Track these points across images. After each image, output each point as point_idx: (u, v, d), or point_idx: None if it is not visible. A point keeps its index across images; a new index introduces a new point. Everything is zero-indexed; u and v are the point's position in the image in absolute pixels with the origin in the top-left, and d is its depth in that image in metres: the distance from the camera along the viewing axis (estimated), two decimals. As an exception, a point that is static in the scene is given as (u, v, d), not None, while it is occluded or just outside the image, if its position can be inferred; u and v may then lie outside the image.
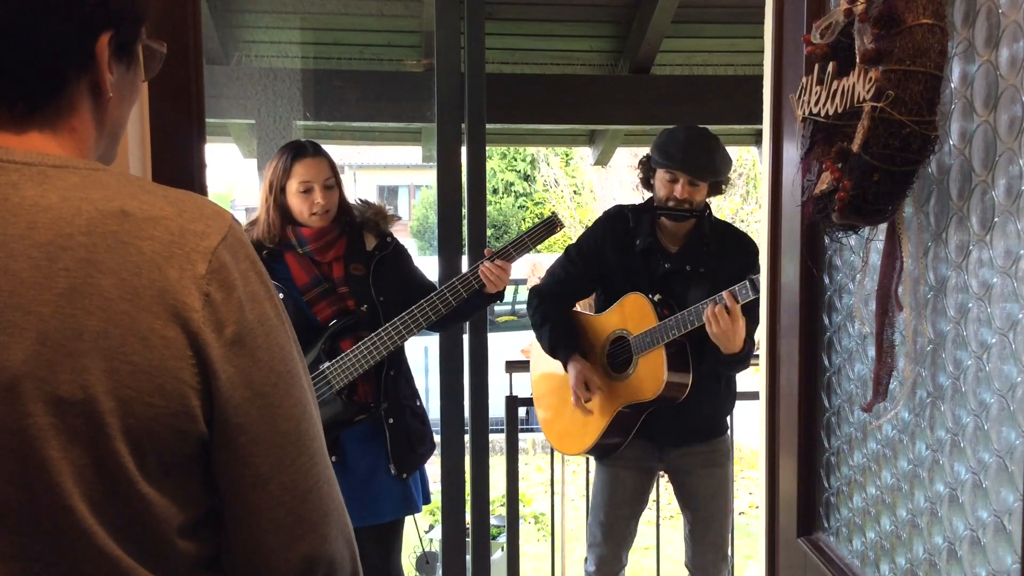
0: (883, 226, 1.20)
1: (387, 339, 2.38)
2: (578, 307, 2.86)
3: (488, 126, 3.25)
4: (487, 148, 3.29)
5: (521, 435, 3.85)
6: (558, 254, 2.90)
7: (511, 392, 3.39)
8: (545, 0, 4.41)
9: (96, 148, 0.85)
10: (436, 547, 3.91)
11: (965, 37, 1.07)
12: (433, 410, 3.15)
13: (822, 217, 1.19)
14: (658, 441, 2.72)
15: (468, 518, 3.32)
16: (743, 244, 2.69)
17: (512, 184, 15.91)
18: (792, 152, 1.53)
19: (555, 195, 14.71)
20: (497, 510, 4.52)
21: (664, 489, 3.37)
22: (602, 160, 6.06)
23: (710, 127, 2.67)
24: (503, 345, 5.79)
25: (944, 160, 1.12)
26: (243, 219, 2.92)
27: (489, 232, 4.37)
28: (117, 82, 0.83)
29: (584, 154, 12.37)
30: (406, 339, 2.41)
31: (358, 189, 16.69)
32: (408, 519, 2.61)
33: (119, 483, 0.76)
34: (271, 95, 4.01)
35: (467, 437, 3.29)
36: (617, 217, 2.71)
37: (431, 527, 4.37)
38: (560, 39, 4.60)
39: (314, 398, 0.88)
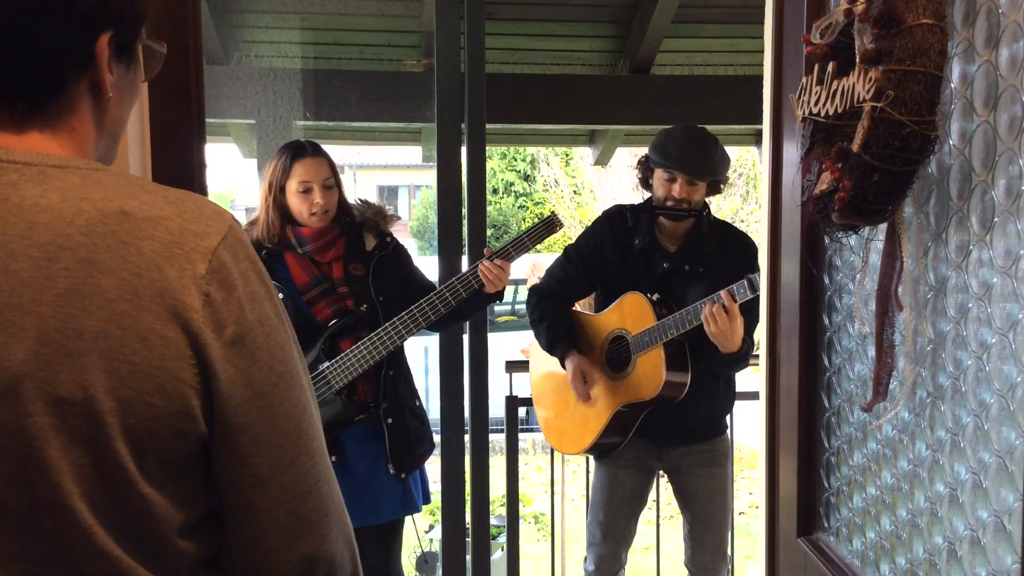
0: (883, 226, 1.20)
1: (386, 339, 2.38)
2: (578, 307, 2.86)
3: (488, 126, 3.25)
4: (487, 148, 3.29)
5: (521, 435, 3.85)
6: (558, 254, 2.90)
7: (511, 392, 3.39)
8: (545, 0, 4.41)
9: (96, 148, 0.85)
10: (436, 547, 3.91)
11: (965, 37, 1.07)
12: (433, 410, 3.15)
13: (822, 217, 1.19)
14: (657, 440, 2.72)
15: (468, 518, 3.32)
16: (742, 243, 2.69)
17: (512, 184, 15.91)
18: (792, 152, 1.53)
19: (555, 195, 14.71)
20: (497, 510, 4.52)
21: (664, 489, 3.37)
22: (602, 160, 6.07)
23: (710, 127, 2.67)
24: (503, 345, 5.79)
25: (944, 160, 1.12)
26: (243, 219, 2.92)
27: (489, 232, 4.37)
28: (117, 82, 0.83)
29: (584, 154, 12.36)
30: (405, 339, 2.41)
31: (358, 189, 16.69)
32: (408, 519, 2.61)
33: (119, 483, 0.76)
34: (271, 95, 4.01)
35: (467, 437, 3.29)
36: (616, 217, 2.71)
37: (431, 527, 4.37)
38: (560, 39, 4.60)
39: (314, 398, 0.88)
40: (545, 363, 2.85)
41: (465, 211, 3.20)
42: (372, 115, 4.50)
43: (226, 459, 0.81)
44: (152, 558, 0.80)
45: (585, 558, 2.87)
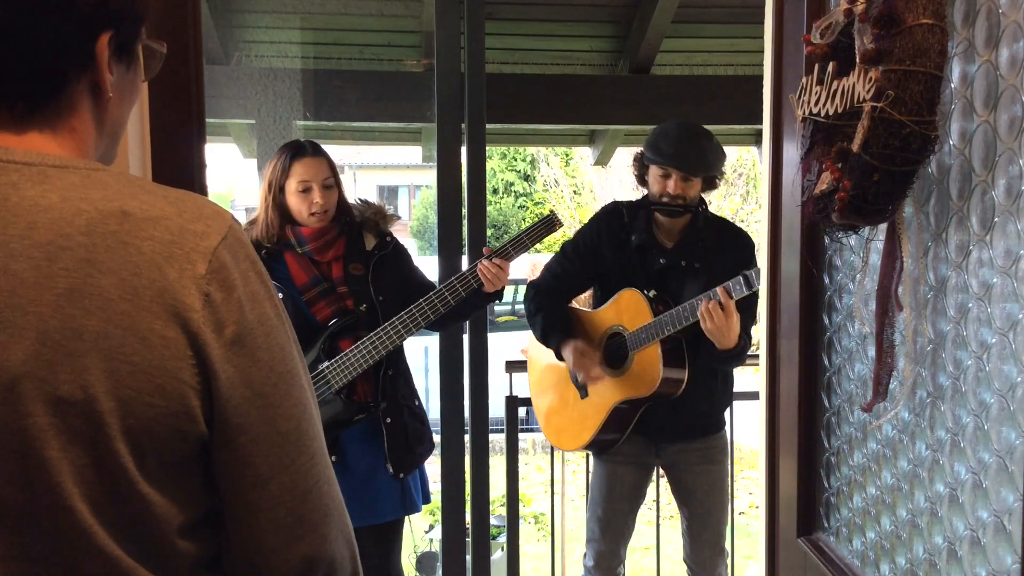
0: (883, 226, 1.20)
1: (386, 339, 2.38)
2: (576, 304, 2.87)
3: (488, 126, 3.25)
4: (487, 148, 3.29)
5: (521, 435, 3.85)
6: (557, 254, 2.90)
7: (511, 392, 3.39)
8: (545, 0, 4.41)
9: (96, 148, 0.85)
10: (436, 547, 3.91)
11: (965, 37, 1.07)
12: (433, 410, 3.15)
13: (822, 217, 1.19)
14: (655, 437, 2.72)
15: (468, 518, 3.32)
16: (738, 239, 2.69)
17: (512, 184, 15.91)
18: (792, 152, 1.53)
19: (555, 195, 14.71)
20: (497, 510, 4.52)
21: (664, 489, 3.37)
22: (602, 160, 6.07)
23: (710, 127, 2.67)
24: (503, 345, 5.79)
25: (944, 160, 1.12)
26: (243, 219, 2.92)
27: (489, 232, 4.37)
28: (117, 82, 0.83)
29: (584, 154, 12.36)
30: (405, 339, 2.41)
31: (358, 189, 16.69)
32: (408, 519, 2.61)
33: (119, 483, 0.76)
34: (271, 95, 4.01)
35: (467, 437, 3.29)
36: (613, 213, 2.72)
37: (431, 527, 4.37)
38: (560, 39, 4.60)
39: (314, 398, 0.88)
40: (543, 360, 2.85)
41: (465, 211, 3.20)
42: (372, 115, 4.50)
43: (226, 459, 0.81)
44: (152, 558, 0.79)
45: (584, 554, 2.88)
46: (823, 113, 1.19)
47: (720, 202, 11.36)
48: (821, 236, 1.46)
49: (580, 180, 15.18)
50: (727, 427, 2.85)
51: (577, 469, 5.44)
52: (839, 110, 1.15)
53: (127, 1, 0.82)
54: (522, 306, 2.91)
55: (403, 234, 13.63)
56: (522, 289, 7.82)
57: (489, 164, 10.66)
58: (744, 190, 12.27)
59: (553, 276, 2.76)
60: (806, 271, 1.52)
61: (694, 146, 2.56)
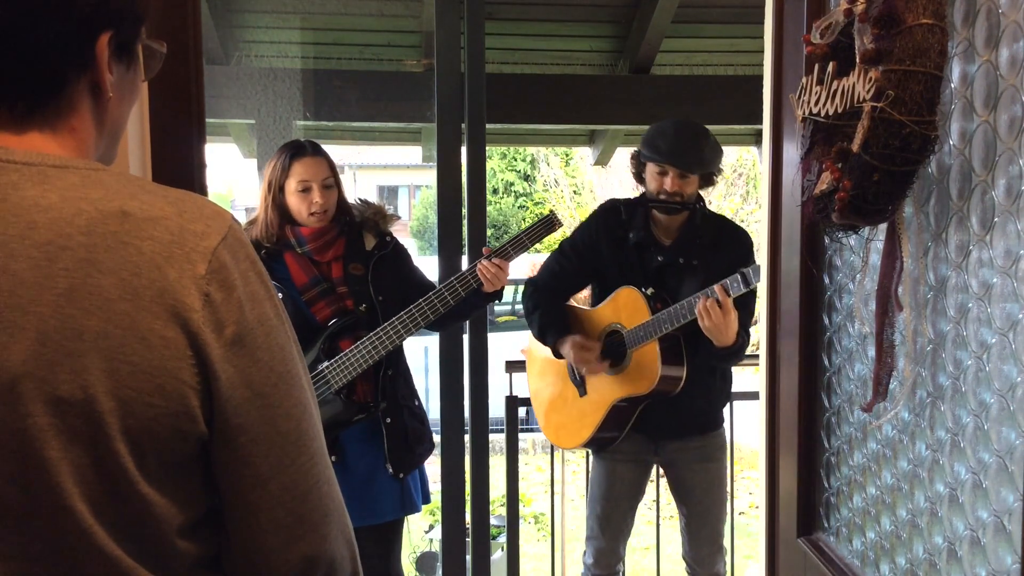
0: (883, 226, 1.20)
1: (386, 339, 2.38)
2: (574, 302, 2.87)
3: (488, 126, 3.24)
4: (487, 148, 3.29)
5: (521, 435, 3.85)
6: (558, 254, 2.90)
7: (511, 392, 3.39)
8: (545, 0, 4.41)
9: (96, 148, 0.85)
10: (436, 547, 3.91)
11: (965, 37, 1.07)
12: (433, 410, 3.15)
13: (822, 217, 1.19)
14: (653, 434, 2.72)
15: (468, 518, 3.32)
16: (736, 237, 2.69)
17: (512, 184, 15.91)
18: (792, 152, 1.53)
19: (555, 195, 14.70)
20: (497, 510, 4.52)
21: (664, 489, 3.38)
22: (602, 160, 6.07)
23: (710, 127, 2.67)
24: (503, 345, 5.79)
25: (944, 160, 1.12)
26: (243, 219, 2.92)
27: (489, 232, 4.37)
28: (117, 82, 0.83)
29: (584, 154, 12.36)
30: (404, 339, 2.41)
31: (358, 189, 16.69)
32: (408, 519, 2.60)
33: (119, 483, 0.76)
34: (271, 95, 4.01)
35: (467, 437, 3.29)
36: (611, 211, 2.72)
37: (431, 527, 4.37)
38: (560, 39, 4.60)
39: (314, 398, 0.88)
40: (542, 359, 2.85)
41: (465, 211, 3.20)
42: (372, 115, 4.50)
43: (226, 459, 0.81)
44: (152, 558, 0.80)
45: (584, 552, 2.88)
46: (823, 113, 1.19)
47: (720, 202, 11.36)
48: (821, 236, 1.46)
49: (580, 180, 15.18)
50: (726, 425, 2.85)
51: (577, 469, 5.44)
52: (839, 110, 1.15)
53: (127, 1, 0.82)
54: (522, 306, 2.90)
55: (403, 234, 13.62)
56: (522, 289, 7.80)
57: (489, 164, 10.66)
58: (744, 190, 12.26)
59: (551, 274, 2.76)
60: (806, 271, 1.52)
61: (691, 143, 2.56)
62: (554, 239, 9.07)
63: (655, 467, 2.96)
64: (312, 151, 2.43)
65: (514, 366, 3.48)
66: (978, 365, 1.06)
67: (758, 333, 1.87)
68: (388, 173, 18.31)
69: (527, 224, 3.81)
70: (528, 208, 15.58)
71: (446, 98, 3.17)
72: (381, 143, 9.37)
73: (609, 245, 2.67)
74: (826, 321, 1.50)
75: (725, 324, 2.41)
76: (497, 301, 2.59)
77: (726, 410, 2.87)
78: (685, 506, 2.81)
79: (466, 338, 3.22)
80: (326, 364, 2.39)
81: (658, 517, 3.59)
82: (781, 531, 1.66)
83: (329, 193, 2.42)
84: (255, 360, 0.80)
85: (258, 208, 2.48)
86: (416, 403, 2.57)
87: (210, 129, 1.61)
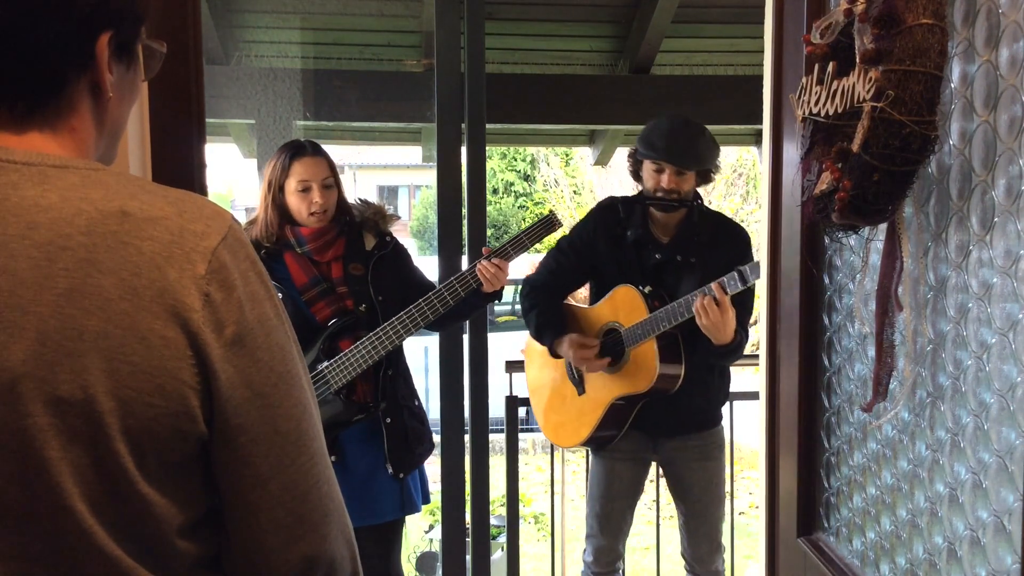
0: (883, 226, 1.20)
1: (385, 339, 2.38)
2: (572, 301, 2.87)
3: (488, 126, 3.25)
4: (487, 148, 3.29)
5: (521, 435, 3.85)
6: (558, 254, 2.89)
7: (511, 392, 3.39)
8: (545, 0, 4.41)
9: (96, 148, 0.85)
10: (436, 547, 3.91)
11: (965, 37, 1.07)
12: (433, 410, 3.15)
13: (822, 217, 1.19)
14: (652, 432, 2.73)
15: (468, 518, 3.33)
16: (734, 234, 2.69)
17: (512, 184, 15.90)
18: (792, 152, 1.53)
19: (555, 195, 14.70)
20: (497, 510, 4.52)
21: (664, 489, 3.38)
22: (602, 160, 6.07)
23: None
24: (503, 345, 5.79)
25: (944, 160, 1.12)
26: (243, 219, 2.92)
27: (489, 232, 4.37)
28: (117, 82, 0.83)
29: (584, 154, 12.36)
30: (404, 339, 2.41)
31: (358, 189, 16.68)
32: (408, 519, 2.60)
33: (119, 483, 0.76)
34: (271, 95, 4.01)
35: (467, 437, 3.29)
36: (608, 209, 2.72)
37: (431, 527, 4.37)
38: (560, 39, 4.60)
39: (314, 398, 0.88)
40: (540, 357, 2.85)
41: (465, 211, 3.20)
42: (372, 115, 4.50)
43: (226, 459, 0.81)
44: (152, 558, 0.79)
45: (584, 550, 2.89)
46: (823, 113, 1.19)
47: (720, 202, 11.35)
48: (821, 236, 1.46)
49: (580, 180, 15.17)
50: (724, 423, 2.86)
51: (577, 469, 5.44)
52: (839, 110, 1.15)
53: (127, 1, 0.82)
54: (520, 305, 2.90)
55: (403, 234, 13.62)
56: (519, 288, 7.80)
57: (489, 164, 10.65)
58: (744, 190, 12.26)
59: (548, 272, 2.76)
60: (806, 271, 1.52)
61: (687, 140, 2.56)
62: (554, 239, 9.05)
63: (655, 466, 2.96)
64: (312, 151, 2.43)
65: (514, 366, 3.48)
66: (978, 365, 1.06)
67: (758, 333, 1.87)
68: (388, 173, 18.31)
69: (527, 224, 3.81)
70: (528, 208, 15.58)
71: (446, 98, 3.17)
72: (381, 143, 9.37)
73: (607, 243, 2.67)
74: (826, 321, 1.50)
75: (723, 322, 2.41)
76: (497, 301, 2.59)
77: (725, 409, 2.87)
78: (683, 504, 2.82)
79: (466, 338, 3.22)
80: (326, 364, 2.39)
81: (658, 517, 3.59)
82: (781, 531, 1.66)
83: (329, 193, 2.42)
84: (255, 360, 0.80)
85: (258, 208, 2.48)
86: (416, 403, 2.57)
87: (210, 129, 1.61)
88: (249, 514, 0.83)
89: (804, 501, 1.56)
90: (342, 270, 2.45)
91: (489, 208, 10.47)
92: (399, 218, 2.71)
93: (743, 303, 2.51)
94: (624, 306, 2.63)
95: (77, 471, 0.75)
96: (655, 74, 4.58)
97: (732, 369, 2.83)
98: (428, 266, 2.90)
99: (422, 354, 6.20)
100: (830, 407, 1.50)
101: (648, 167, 2.61)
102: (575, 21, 4.54)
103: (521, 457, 4.27)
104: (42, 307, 0.73)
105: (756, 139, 5.54)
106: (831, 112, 1.17)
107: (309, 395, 0.87)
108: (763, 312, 1.73)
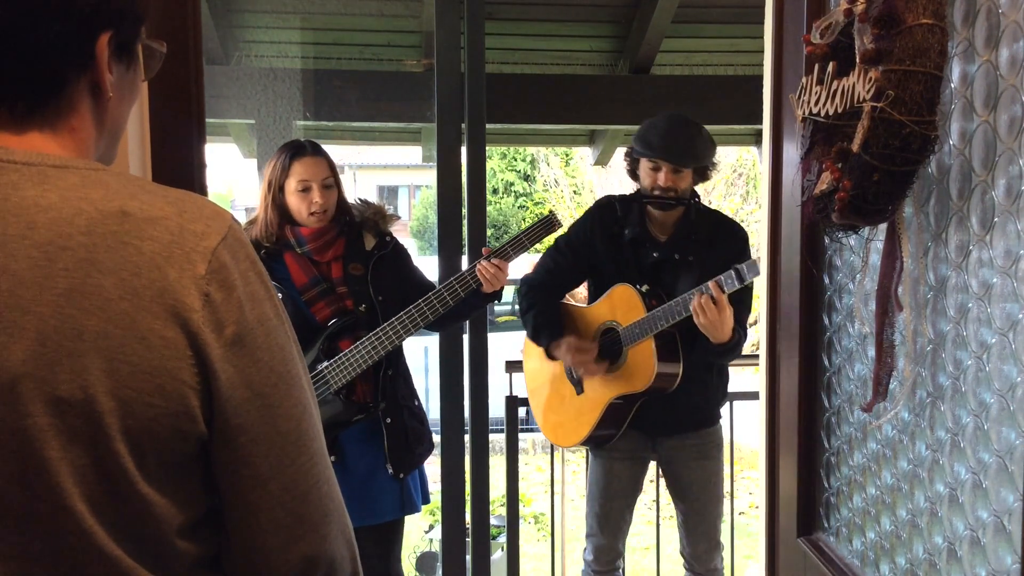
0: (883, 226, 1.20)
1: (385, 339, 2.38)
2: (571, 300, 2.87)
3: (488, 126, 3.24)
4: (487, 148, 3.29)
5: (521, 435, 3.85)
6: (557, 254, 2.90)
7: (511, 392, 3.39)
8: (545, 0, 4.41)
9: (96, 148, 0.85)
10: (436, 547, 3.91)
11: (965, 37, 1.07)
12: (433, 410, 3.15)
13: (822, 217, 1.19)
14: (650, 431, 2.73)
15: (468, 518, 3.33)
16: (732, 232, 2.69)
17: (512, 184, 15.90)
18: (792, 152, 1.53)
19: (555, 195, 14.70)
20: (497, 510, 4.52)
21: (664, 489, 3.38)
22: (602, 160, 6.07)
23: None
24: (503, 345, 5.80)
25: (944, 160, 1.12)
26: (243, 219, 2.92)
27: (489, 232, 4.38)
28: (117, 82, 0.83)
29: (584, 154, 12.36)
30: (404, 339, 2.41)
31: (358, 189, 16.69)
32: (408, 519, 2.61)
33: (119, 483, 0.76)
34: (271, 95, 4.01)
35: (467, 437, 3.29)
36: (606, 207, 2.72)
37: (431, 527, 4.37)
38: (560, 39, 4.60)
39: (314, 398, 0.88)
40: (539, 357, 2.85)
41: (465, 211, 3.20)
42: (372, 115, 4.50)
43: (226, 459, 0.81)
44: (152, 558, 0.79)
45: (584, 548, 2.89)
46: (823, 113, 1.19)
47: (720, 202, 11.35)
48: (821, 236, 1.46)
49: (580, 180, 15.17)
50: (723, 422, 2.86)
51: (577, 469, 5.44)
52: (839, 110, 1.15)
53: (127, 1, 0.82)
54: (517, 305, 2.91)
55: (403, 234, 13.62)
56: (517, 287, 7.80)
57: (489, 164, 10.65)
58: (744, 190, 12.26)
59: (546, 271, 2.76)
60: (806, 271, 1.52)
61: (683, 137, 2.56)
62: (553, 238, 9.05)
63: (654, 466, 2.96)
64: (312, 151, 2.43)
65: (514, 366, 3.47)
66: (978, 365, 1.06)
67: (758, 333, 1.87)
68: (388, 173, 18.31)
69: (527, 224, 3.81)
70: (528, 208, 15.58)
71: (446, 98, 3.17)
72: (381, 143, 9.38)
73: (604, 242, 2.67)
74: (826, 321, 1.50)
75: (720, 320, 2.41)
76: (496, 301, 2.59)
77: (725, 409, 2.87)
78: (682, 503, 2.82)
79: (466, 338, 3.22)
80: (326, 364, 2.39)
81: (658, 517, 3.59)
82: (781, 531, 1.66)
83: (329, 193, 2.42)
84: (255, 360, 0.80)
85: (258, 208, 2.48)
86: (416, 403, 2.57)
87: (210, 129, 1.61)
88: (249, 514, 0.83)
89: (804, 501, 1.56)
90: (342, 270, 2.45)
91: (489, 208, 10.47)
92: (399, 218, 2.71)
93: (741, 301, 2.51)
94: (622, 305, 2.63)
95: (77, 471, 0.75)
96: (655, 74, 4.58)
97: (731, 369, 2.83)
98: (428, 266, 2.90)
99: (422, 354, 6.20)
100: (830, 407, 1.50)
101: (645, 165, 2.61)
102: (575, 21, 4.54)
103: (521, 457, 4.27)
104: (42, 307, 0.73)
105: (756, 139, 5.54)
106: (831, 112, 1.17)
107: (309, 395, 0.87)
108: (763, 312, 1.73)
